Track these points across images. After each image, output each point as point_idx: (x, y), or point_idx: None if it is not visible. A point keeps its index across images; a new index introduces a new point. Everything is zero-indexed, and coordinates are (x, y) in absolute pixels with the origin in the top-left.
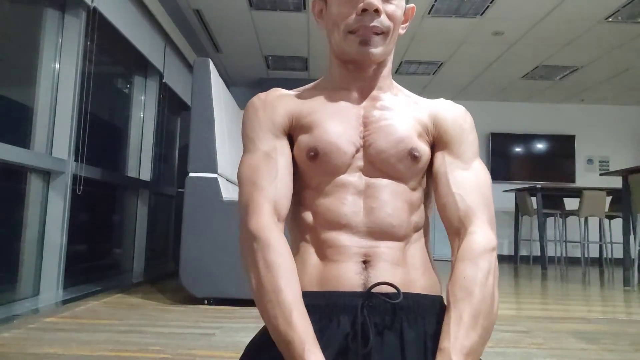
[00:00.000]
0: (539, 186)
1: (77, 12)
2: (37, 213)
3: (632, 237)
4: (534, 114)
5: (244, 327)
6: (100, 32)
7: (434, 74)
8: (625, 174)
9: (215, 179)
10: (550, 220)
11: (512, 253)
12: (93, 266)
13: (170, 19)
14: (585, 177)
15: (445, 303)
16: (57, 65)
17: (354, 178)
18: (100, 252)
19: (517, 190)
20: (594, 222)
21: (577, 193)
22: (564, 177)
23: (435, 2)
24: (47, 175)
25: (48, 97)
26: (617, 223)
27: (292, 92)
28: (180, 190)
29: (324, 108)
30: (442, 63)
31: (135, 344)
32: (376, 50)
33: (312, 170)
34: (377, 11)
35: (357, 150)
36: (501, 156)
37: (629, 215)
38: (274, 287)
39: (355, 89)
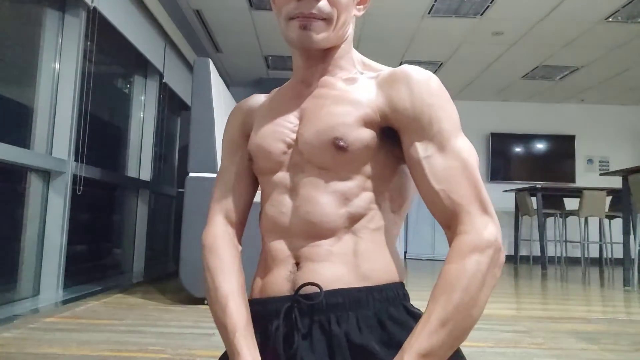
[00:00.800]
0: (539, 186)
1: (77, 12)
2: (37, 213)
3: (632, 237)
4: (534, 114)
5: None
6: (100, 32)
7: (434, 74)
8: (625, 174)
9: (215, 179)
10: (550, 220)
11: (512, 253)
12: (93, 266)
13: (170, 19)
14: (585, 177)
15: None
16: (57, 65)
17: (283, 176)
18: (100, 252)
19: (517, 190)
20: (594, 222)
21: (577, 193)
22: (564, 177)
23: (435, 2)
24: (47, 175)
25: (48, 97)
26: (617, 223)
27: (263, 96)
28: (180, 190)
29: (270, 108)
30: (442, 63)
31: (135, 344)
32: (318, 36)
33: (257, 175)
34: None
35: (289, 146)
36: (501, 156)
37: (629, 215)
38: (213, 285)
39: (304, 78)
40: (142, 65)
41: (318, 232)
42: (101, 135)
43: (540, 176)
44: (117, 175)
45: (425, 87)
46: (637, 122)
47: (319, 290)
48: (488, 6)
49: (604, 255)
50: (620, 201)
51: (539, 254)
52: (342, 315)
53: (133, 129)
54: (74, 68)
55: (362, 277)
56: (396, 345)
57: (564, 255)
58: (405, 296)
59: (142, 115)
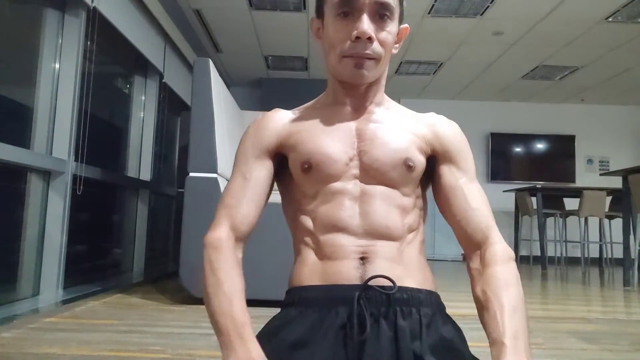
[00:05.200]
0: (539, 186)
1: (77, 12)
2: (37, 213)
3: (632, 237)
4: (534, 114)
5: None
6: (100, 32)
7: (434, 74)
8: (625, 174)
9: (215, 179)
10: (550, 220)
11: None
12: (93, 266)
13: (170, 19)
14: (585, 177)
15: (476, 303)
16: (57, 66)
17: (349, 185)
18: (100, 252)
19: (517, 190)
20: (594, 222)
21: (577, 193)
22: (564, 177)
23: (435, 2)
24: (47, 175)
25: (48, 97)
26: (617, 223)
27: (290, 112)
28: (180, 190)
29: (318, 124)
30: (442, 63)
31: (135, 344)
32: (369, 73)
33: (308, 181)
34: (369, 39)
35: (351, 159)
36: (501, 156)
37: (629, 215)
38: (216, 279)
39: (350, 104)
40: (142, 65)
41: (389, 235)
42: (101, 135)
43: (540, 176)
44: (117, 175)
45: (460, 133)
46: (637, 122)
47: (391, 284)
48: (488, 6)
49: (604, 255)
50: (620, 201)
51: (539, 254)
52: (407, 310)
53: (133, 129)
54: (74, 68)
55: (420, 281)
56: (448, 346)
57: (564, 255)
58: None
59: (142, 115)
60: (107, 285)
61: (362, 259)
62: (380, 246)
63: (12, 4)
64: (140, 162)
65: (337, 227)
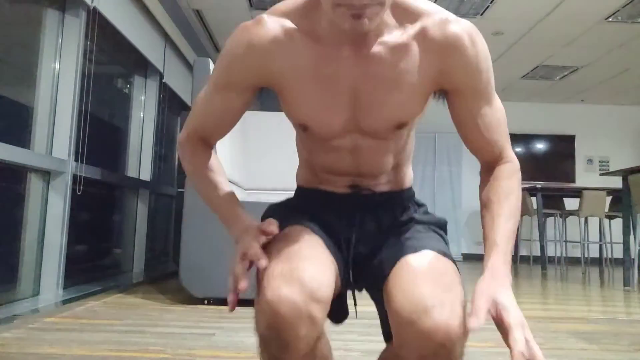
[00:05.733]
0: (539, 186)
1: (77, 12)
2: (37, 213)
3: (632, 237)
4: (534, 114)
5: (243, 327)
6: (100, 32)
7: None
8: (625, 174)
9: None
10: (550, 220)
11: (512, 253)
12: (93, 266)
13: (170, 19)
14: (585, 177)
15: (480, 202)
16: (57, 65)
17: (343, 141)
18: (101, 252)
19: None
20: (594, 222)
21: (577, 193)
22: (564, 177)
23: (435, 2)
24: (47, 175)
25: (48, 97)
26: (617, 223)
27: (279, 30)
28: (180, 190)
29: (310, 72)
30: None
31: (135, 344)
32: (373, 22)
33: (304, 134)
34: None
35: (347, 121)
36: None
37: (629, 215)
38: (192, 169)
39: (348, 46)
40: (142, 65)
41: (374, 175)
42: (101, 135)
43: (540, 176)
44: (117, 175)
45: (477, 57)
46: (637, 122)
47: (373, 192)
48: (488, 6)
49: (604, 255)
50: (620, 201)
51: (539, 254)
52: (385, 208)
53: (133, 129)
54: (74, 68)
55: (396, 184)
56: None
57: (564, 255)
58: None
59: (142, 115)
60: (107, 285)
61: (351, 186)
62: (367, 177)
63: (12, 4)
64: (140, 162)
65: (332, 170)
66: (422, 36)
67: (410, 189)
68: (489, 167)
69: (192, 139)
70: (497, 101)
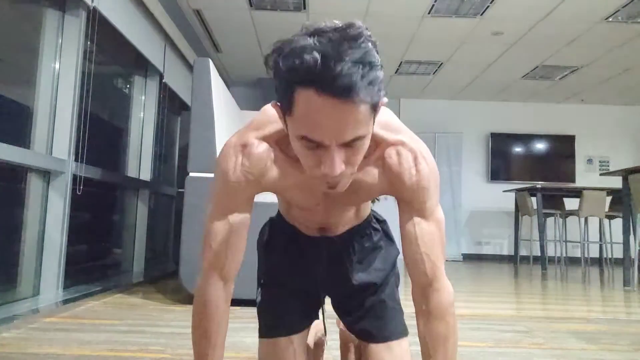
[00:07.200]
0: (539, 186)
1: (77, 12)
2: (37, 213)
3: (632, 237)
4: (534, 114)
5: (244, 327)
6: (100, 32)
7: (434, 74)
8: (625, 174)
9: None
10: (550, 220)
11: (512, 253)
12: (93, 266)
13: (170, 19)
14: (585, 177)
15: (419, 339)
16: (57, 65)
17: (316, 210)
18: (101, 252)
19: (517, 190)
20: (594, 222)
21: (577, 193)
22: (564, 177)
23: (435, 2)
24: (47, 175)
25: (48, 97)
26: (617, 223)
27: (268, 160)
28: (180, 190)
29: (295, 187)
30: (442, 63)
31: (135, 344)
32: (345, 186)
33: (287, 202)
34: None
35: (318, 203)
36: (501, 156)
37: (629, 215)
38: (202, 331)
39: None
40: (142, 65)
41: (340, 224)
42: (101, 135)
43: (540, 176)
44: (117, 175)
45: (416, 179)
46: (637, 122)
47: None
48: (488, 6)
49: (604, 255)
50: (620, 201)
51: (539, 254)
52: (344, 240)
53: (133, 129)
54: (74, 68)
55: (357, 220)
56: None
57: (564, 255)
58: (372, 217)
59: (142, 115)
60: (107, 285)
61: (320, 229)
62: (333, 225)
63: (12, 4)
64: (140, 162)
65: (305, 221)
66: (381, 162)
67: (368, 216)
68: (423, 292)
69: (211, 289)
70: (437, 221)
